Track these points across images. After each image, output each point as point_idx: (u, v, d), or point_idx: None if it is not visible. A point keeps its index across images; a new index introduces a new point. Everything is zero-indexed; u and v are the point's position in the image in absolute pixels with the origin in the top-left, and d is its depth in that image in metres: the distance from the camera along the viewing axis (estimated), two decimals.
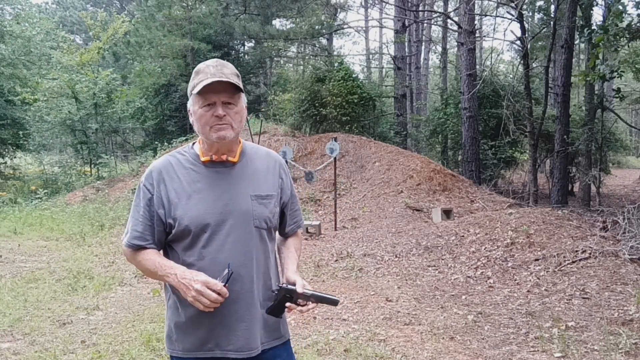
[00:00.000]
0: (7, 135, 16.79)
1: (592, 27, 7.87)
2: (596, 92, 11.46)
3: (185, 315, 1.56)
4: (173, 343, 1.61)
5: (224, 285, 1.46)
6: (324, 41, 24.02)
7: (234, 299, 1.54)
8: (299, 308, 1.58)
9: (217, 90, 1.51)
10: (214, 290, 1.44)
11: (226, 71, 1.53)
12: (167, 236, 1.59)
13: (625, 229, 5.80)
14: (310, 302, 1.58)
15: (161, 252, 1.62)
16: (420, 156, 11.98)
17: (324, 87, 13.84)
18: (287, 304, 1.57)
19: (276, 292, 1.59)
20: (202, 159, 1.60)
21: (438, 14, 21.00)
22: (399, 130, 16.37)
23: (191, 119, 1.61)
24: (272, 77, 23.62)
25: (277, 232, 1.78)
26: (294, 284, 1.58)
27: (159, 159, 1.65)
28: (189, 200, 1.54)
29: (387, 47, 26.91)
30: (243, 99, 1.61)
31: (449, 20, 18.27)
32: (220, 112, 1.52)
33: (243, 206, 1.57)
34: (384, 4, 21.31)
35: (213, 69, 1.53)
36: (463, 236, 6.60)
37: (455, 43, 19.63)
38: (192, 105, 1.57)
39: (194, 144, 1.67)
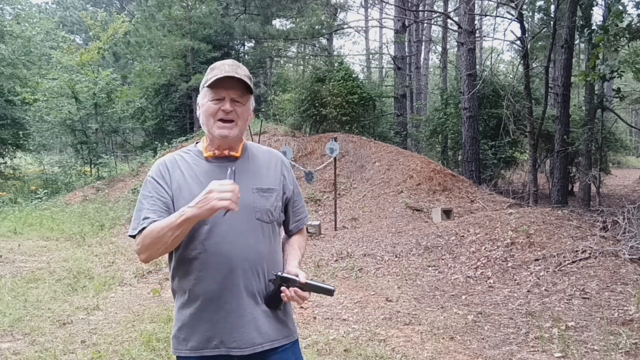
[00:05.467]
0: (7, 135, 16.78)
1: (592, 27, 7.87)
2: (596, 92, 11.46)
3: (192, 311, 1.57)
4: (180, 343, 1.61)
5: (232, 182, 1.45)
6: (324, 41, 24.00)
7: (236, 294, 1.54)
8: (298, 293, 1.56)
9: (227, 87, 1.56)
10: (226, 186, 1.43)
11: (240, 71, 1.58)
12: None
13: (625, 229, 5.80)
14: (305, 291, 1.57)
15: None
16: (420, 156, 11.98)
17: (324, 87, 13.84)
18: (282, 288, 1.56)
19: (272, 281, 1.59)
20: (205, 154, 1.63)
21: (438, 14, 21.00)
22: (399, 130, 16.37)
23: (198, 112, 1.65)
24: (272, 77, 23.61)
25: (281, 230, 1.78)
26: (296, 275, 1.58)
27: (165, 156, 1.68)
28: (191, 193, 1.54)
29: (387, 47, 26.90)
30: (251, 101, 1.65)
31: (449, 20, 18.26)
32: (228, 107, 1.56)
33: (244, 198, 1.56)
34: (384, 4, 21.32)
35: (228, 67, 1.57)
36: (463, 236, 6.60)
37: (455, 43, 19.64)
38: (202, 98, 1.62)
39: (197, 142, 1.70)
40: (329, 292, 1.60)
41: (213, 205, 1.41)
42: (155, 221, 1.51)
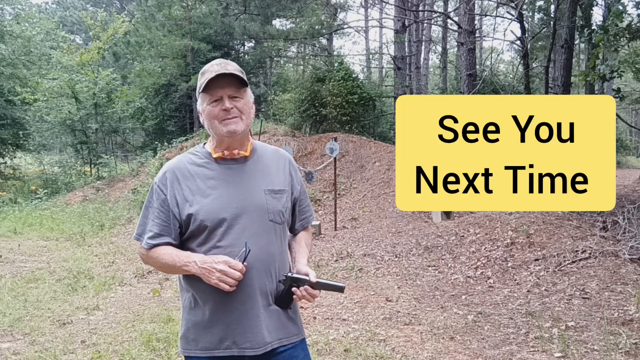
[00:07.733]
0: (7, 135, 16.79)
1: (592, 27, 7.87)
2: (596, 92, 11.46)
3: (204, 312, 1.57)
4: (190, 343, 1.60)
5: (243, 264, 1.49)
6: (324, 41, 24.00)
7: (250, 294, 1.54)
8: (310, 291, 1.58)
9: (222, 85, 1.55)
10: (235, 270, 1.48)
11: (230, 67, 1.57)
12: (182, 235, 1.60)
13: (625, 229, 5.80)
14: (317, 290, 1.60)
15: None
16: None
17: (324, 87, 13.84)
18: (293, 289, 1.58)
19: (282, 281, 1.60)
20: (214, 155, 1.62)
21: (438, 14, 21.00)
22: None
23: (202, 119, 1.64)
24: (272, 77, 23.61)
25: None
26: (306, 275, 1.60)
27: (172, 159, 1.67)
28: (204, 196, 1.55)
29: (387, 47, 26.89)
30: (249, 93, 1.64)
31: (449, 20, 18.27)
32: (227, 104, 1.55)
33: (258, 200, 1.59)
34: (384, 4, 21.29)
35: (217, 67, 1.56)
36: (463, 236, 6.60)
37: (455, 43, 19.65)
38: (201, 104, 1.61)
39: (205, 143, 1.69)
40: (340, 289, 1.63)
41: (211, 281, 1.48)
42: (159, 243, 1.57)
